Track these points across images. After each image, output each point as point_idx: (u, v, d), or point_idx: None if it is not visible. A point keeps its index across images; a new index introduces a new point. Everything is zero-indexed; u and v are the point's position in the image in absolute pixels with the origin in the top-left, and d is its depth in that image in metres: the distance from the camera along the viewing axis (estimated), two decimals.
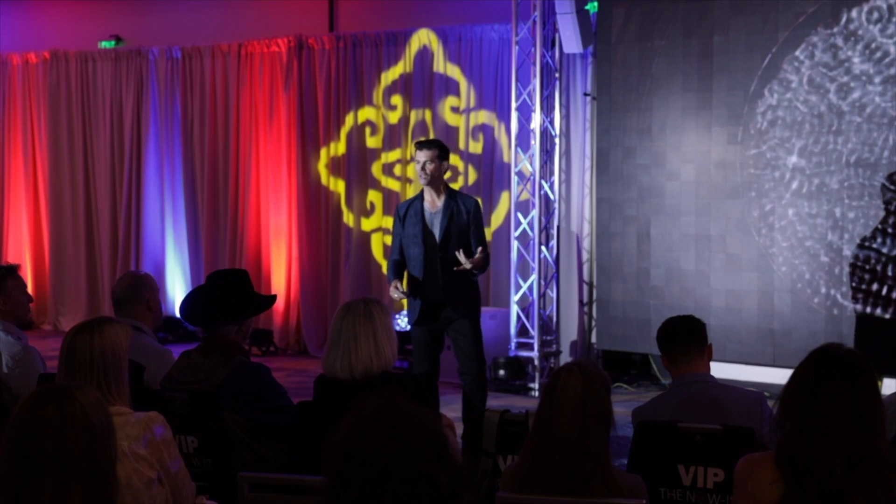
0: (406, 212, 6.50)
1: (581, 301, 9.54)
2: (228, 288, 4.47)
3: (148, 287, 4.97)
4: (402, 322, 9.90)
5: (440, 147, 6.49)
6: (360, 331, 3.84)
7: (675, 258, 8.54)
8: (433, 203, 6.46)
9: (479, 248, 6.33)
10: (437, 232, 6.40)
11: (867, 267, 7.77)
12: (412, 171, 10.44)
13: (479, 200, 10.11)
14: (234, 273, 4.76)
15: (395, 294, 6.41)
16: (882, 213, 7.71)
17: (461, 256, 6.24)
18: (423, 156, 6.41)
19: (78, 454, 2.43)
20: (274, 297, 4.78)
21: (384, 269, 10.67)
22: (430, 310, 6.43)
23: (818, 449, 2.62)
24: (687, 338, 4.15)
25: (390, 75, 10.61)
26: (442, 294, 6.39)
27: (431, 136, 10.34)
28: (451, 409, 7.62)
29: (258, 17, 11.36)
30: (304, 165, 10.97)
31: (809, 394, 2.68)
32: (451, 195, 6.49)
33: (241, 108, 11.29)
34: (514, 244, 9.37)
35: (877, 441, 2.65)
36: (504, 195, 9.98)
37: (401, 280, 6.49)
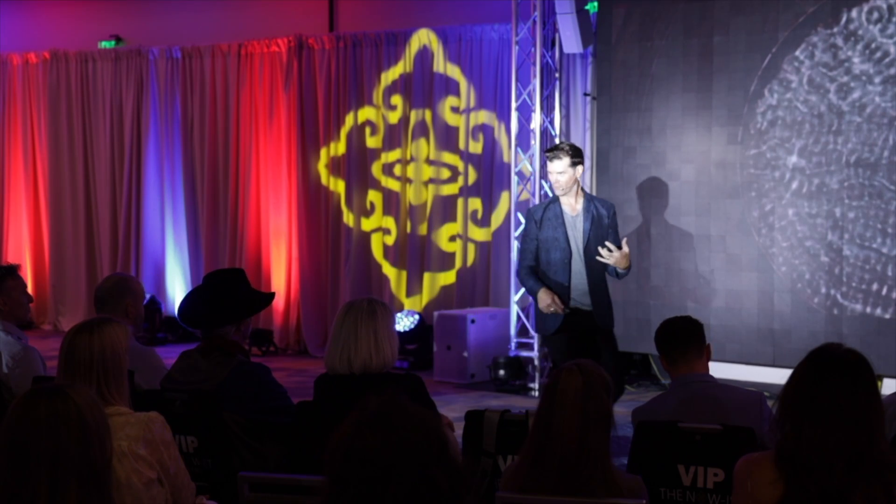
0: (543, 215, 6.26)
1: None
2: (225, 288, 4.46)
3: (130, 292, 4.93)
4: (403, 324, 9.91)
5: (571, 154, 6.21)
6: (361, 327, 3.85)
7: (675, 258, 8.54)
8: (573, 207, 6.25)
9: (625, 239, 6.17)
10: (580, 235, 6.20)
11: (867, 267, 7.77)
12: (412, 171, 10.44)
13: (480, 204, 10.17)
14: (231, 273, 4.75)
15: (551, 309, 6.09)
16: (882, 213, 7.71)
17: (604, 251, 6.04)
18: (554, 168, 6.20)
19: (72, 453, 2.43)
20: (272, 295, 4.77)
21: (384, 269, 10.67)
22: (573, 317, 6.18)
23: (818, 448, 2.62)
24: (685, 338, 4.15)
25: (390, 75, 10.61)
26: (588, 300, 6.19)
27: (431, 137, 10.34)
28: (452, 409, 7.63)
29: (258, 17, 11.36)
30: (304, 165, 10.97)
31: (809, 393, 2.68)
32: (589, 199, 6.31)
33: (241, 108, 11.30)
34: (515, 244, 9.36)
35: (876, 441, 2.65)
36: (504, 195, 9.97)
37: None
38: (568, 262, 6.19)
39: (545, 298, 6.08)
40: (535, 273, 6.24)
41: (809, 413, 2.65)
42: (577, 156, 6.23)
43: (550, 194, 9.33)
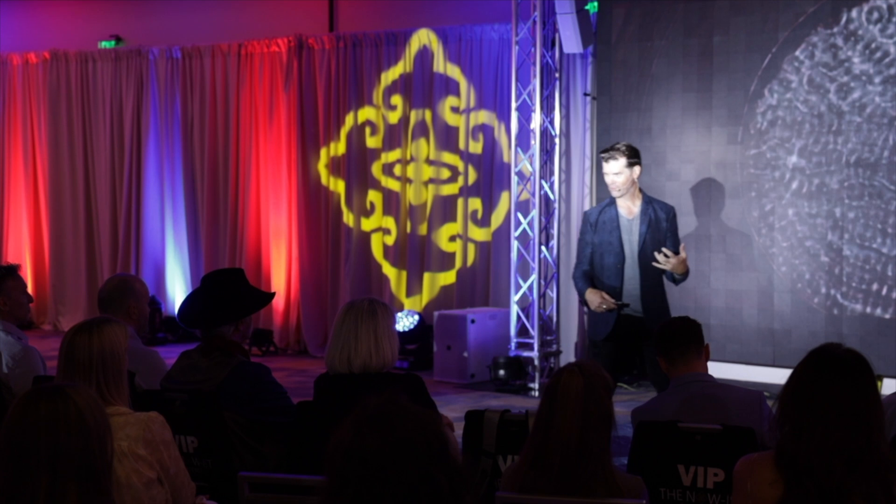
0: (598, 218, 6.05)
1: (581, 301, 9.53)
2: (222, 288, 4.45)
3: (132, 294, 4.91)
4: (403, 324, 9.91)
5: (628, 154, 6.00)
6: (361, 326, 3.85)
7: None
8: (629, 210, 6.02)
9: (682, 245, 5.95)
10: (635, 239, 5.95)
11: (867, 267, 7.77)
12: (412, 171, 10.44)
13: (480, 204, 10.16)
14: (228, 272, 4.74)
15: (603, 307, 5.86)
16: (882, 213, 7.71)
17: (661, 256, 5.83)
18: (610, 168, 5.98)
19: (72, 453, 2.43)
20: (271, 295, 4.76)
21: (384, 269, 10.67)
22: (625, 324, 5.95)
23: (817, 448, 2.62)
24: (684, 339, 4.16)
25: (390, 75, 10.61)
26: (640, 306, 5.95)
27: (431, 137, 10.34)
28: (452, 409, 7.63)
29: (258, 17, 11.36)
30: (304, 165, 10.96)
31: (808, 393, 2.67)
32: (647, 201, 6.05)
33: (241, 108, 11.29)
34: (514, 244, 9.37)
35: (876, 440, 2.65)
36: (504, 195, 9.97)
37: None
38: (621, 267, 5.96)
39: (594, 298, 5.88)
40: (589, 277, 6.03)
41: (809, 413, 2.65)
42: (633, 156, 6.02)
43: (550, 195, 9.36)
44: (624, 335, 5.97)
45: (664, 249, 5.85)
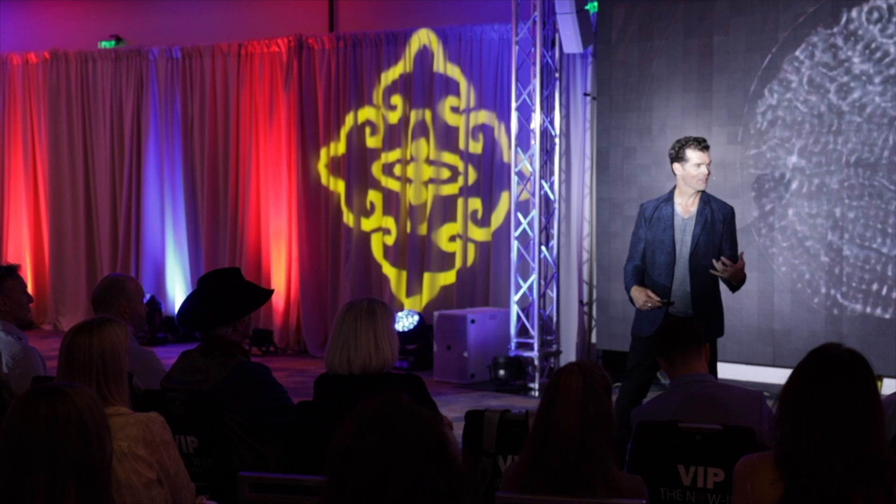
0: (653, 214, 5.88)
1: (581, 301, 9.53)
2: (218, 289, 4.45)
3: (124, 293, 4.90)
4: (403, 324, 9.90)
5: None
6: (360, 327, 3.84)
7: None
8: (686, 208, 5.83)
9: (741, 253, 5.77)
10: (689, 239, 5.79)
11: (867, 267, 7.77)
12: (412, 171, 10.44)
13: (480, 204, 10.16)
14: (225, 273, 4.73)
15: (648, 305, 5.71)
16: (882, 213, 7.71)
17: (719, 264, 5.66)
18: (703, 159, 5.78)
19: (72, 453, 2.43)
20: (270, 292, 4.75)
21: (384, 269, 10.67)
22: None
23: (817, 448, 2.62)
24: (684, 339, 4.16)
25: (390, 75, 10.61)
26: (689, 308, 5.79)
27: (431, 137, 10.35)
28: (452, 409, 7.63)
29: (258, 17, 11.36)
30: (304, 165, 10.96)
31: (808, 393, 2.67)
32: (706, 200, 5.85)
33: (241, 108, 11.29)
34: (514, 244, 9.37)
35: (876, 440, 2.65)
36: (504, 195, 9.97)
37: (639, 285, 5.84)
38: (672, 266, 5.81)
39: (639, 297, 5.75)
40: (640, 272, 5.90)
41: (809, 413, 2.65)
42: None
43: (550, 195, 9.36)
44: None
45: (722, 258, 5.67)
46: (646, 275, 5.89)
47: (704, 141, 5.89)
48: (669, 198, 5.90)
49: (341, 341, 3.87)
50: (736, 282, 5.80)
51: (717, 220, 5.82)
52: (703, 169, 5.78)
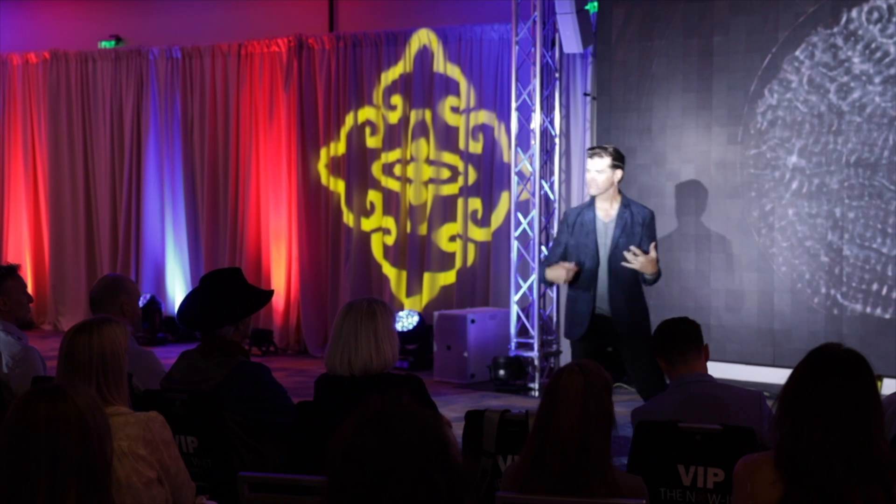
0: (576, 220, 6.11)
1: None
2: (222, 288, 4.45)
3: (125, 291, 4.94)
4: (403, 324, 9.90)
5: (614, 156, 6.08)
6: (361, 328, 3.83)
7: (675, 258, 8.54)
8: (606, 212, 6.07)
9: (653, 244, 5.96)
10: (609, 242, 6.02)
11: (867, 267, 7.77)
12: (412, 171, 10.45)
13: (480, 204, 10.16)
14: (227, 272, 4.73)
15: (570, 275, 5.92)
16: (882, 213, 7.71)
17: (629, 255, 5.89)
18: (593, 165, 6.04)
19: (72, 453, 2.43)
20: (270, 293, 4.76)
21: (384, 269, 10.67)
22: (599, 324, 6.05)
23: (817, 449, 2.62)
24: (683, 339, 4.15)
25: (390, 75, 10.61)
26: (609, 308, 6.02)
27: (431, 137, 10.35)
28: (452, 409, 7.64)
29: (258, 17, 11.36)
30: (304, 165, 10.97)
31: (808, 393, 2.67)
32: (626, 204, 6.08)
33: (241, 108, 11.30)
34: (514, 244, 9.37)
35: (876, 441, 2.65)
36: (504, 195, 9.97)
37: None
38: (596, 270, 6.03)
39: (558, 273, 5.99)
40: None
41: (809, 413, 2.65)
42: (618, 159, 6.10)
43: (550, 195, 9.36)
44: (599, 335, 6.07)
45: (632, 248, 5.90)
46: (573, 279, 6.06)
47: (593, 149, 6.20)
48: (591, 204, 6.13)
49: (342, 343, 3.85)
50: (649, 274, 5.96)
51: (636, 222, 6.02)
52: (592, 175, 6.05)
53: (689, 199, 8.50)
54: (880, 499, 2.60)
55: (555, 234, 6.02)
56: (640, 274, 6.00)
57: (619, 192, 6.14)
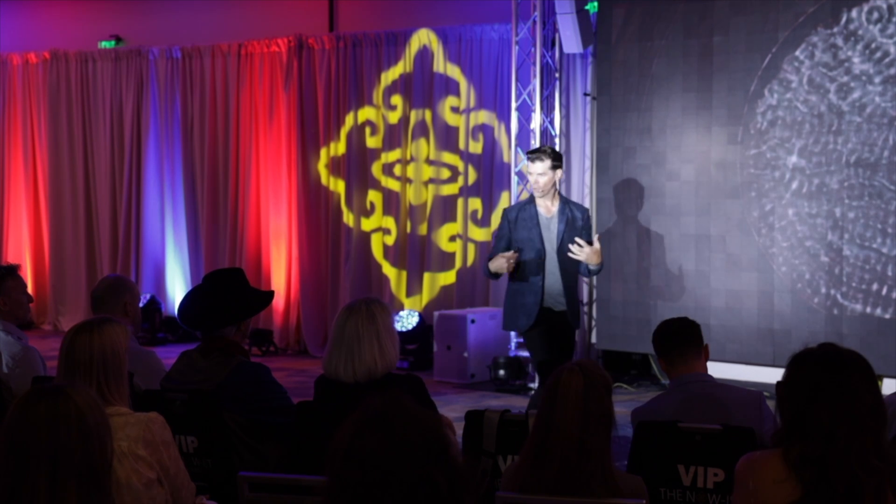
0: (517, 216, 6.38)
1: (581, 301, 9.53)
2: (225, 289, 4.45)
3: (127, 290, 4.95)
4: (403, 324, 9.90)
5: (553, 157, 6.35)
6: (363, 333, 3.80)
7: (675, 258, 8.54)
8: (548, 209, 6.37)
9: (597, 236, 6.35)
10: (554, 237, 6.31)
11: (867, 267, 7.77)
12: (412, 171, 10.44)
13: (480, 204, 10.16)
14: (230, 272, 4.74)
15: (511, 262, 6.14)
16: (882, 213, 7.71)
17: (575, 247, 6.17)
18: (535, 169, 6.32)
19: (72, 453, 2.43)
20: (272, 294, 4.76)
21: (384, 269, 10.67)
22: (547, 317, 6.29)
23: (829, 447, 2.61)
24: (683, 339, 4.15)
25: (390, 75, 10.61)
26: (563, 299, 6.31)
27: (431, 137, 10.35)
28: (452, 409, 7.64)
29: (258, 17, 11.36)
30: (304, 165, 10.97)
31: (817, 392, 2.67)
32: (565, 202, 6.44)
33: (241, 108, 11.30)
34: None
35: (881, 439, 2.65)
36: (504, 195, 9.97)
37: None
38: (542, 263, 6.28)
39: (500, 262, 6.18)
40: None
41: (820, 413, 2.65)
42: (557, 160, 6.37)
43: None
44: (548, 327, 6.29)
45: (577, 239, 6.19)
46: (517, 272, 6.27)
47: (534, 152, 6.44)
48: (531, 201, 6.42)
49: (344, 349, 3.82)
50: (593, 266, 6.27)
51: (576, 218, 6.36)
52: (535, 177, 6.32)
53: (689, 199, 8.50)
54: (890, 498, 2.60)
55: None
56: (582, 267, 6.31)
57: (558, 192, 6.45)
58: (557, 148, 9.40)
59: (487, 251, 10.19)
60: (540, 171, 6.30)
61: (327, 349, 3.92)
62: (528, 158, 6.42)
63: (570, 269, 6.31)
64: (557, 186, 6.40)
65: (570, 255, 6.19)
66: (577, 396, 3.08)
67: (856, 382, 2.67)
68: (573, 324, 6.38)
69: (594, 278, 9.33)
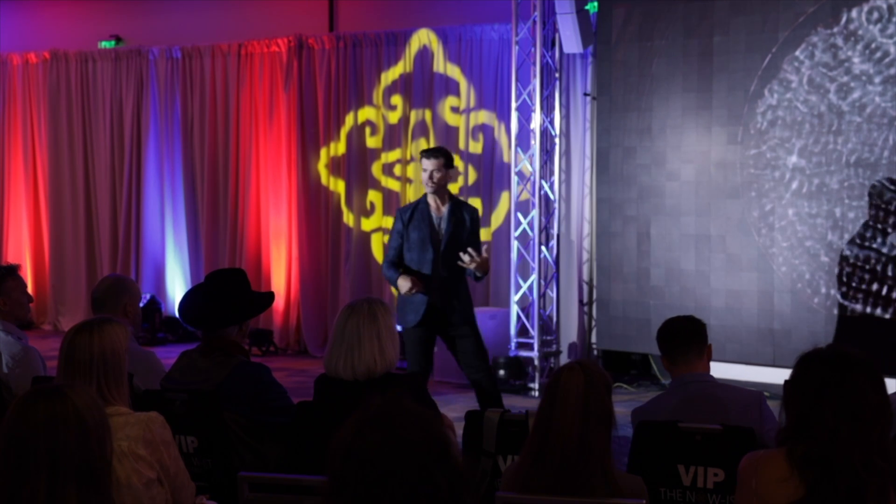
0: (411, 215, 6.62)
1: (581, 301, 9.53)
2: (228, 289, 4.46)
3: (127, 291, 4.94)
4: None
5: (446, 155, 6.62)
6: (364, 332, 3.81)
7: (675, 258, 8.54)
8: (438, 208, 6.61)
9: (485, 247, 6.58)
10: (441, 238, 6.56)
11: (867, 267, 7.77)
12: (412, 171, 10.44)
13: (480, 204, 10.16)
14: (233, 273, 4.74)
15: (413, 291, 6.42)
16: (882, 213, 7.71)
17: (466, 256, 6.40)
18: (429, 164, 6.55)
19: (71, 453, 2.43)
20: (272, 295, 4.77)
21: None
22: (432, 313, 6.54)
23: (833, 447, 2.61)
24: (687, 338, 4.14)
25: (390, 75, 10.61)
26: (440, 297, 6.53)
27: (431, 137, 10.35)
28: (451, 409, 7.64)
29: (258, 17, 11.36)
30: (304, 165, 10.97)
31: (824, 392, 2.67)
32: (455, 201, 6.67)
33: (241, 108, 11.30)
34: (514, 244, 9.37)
35: (887, 440, 2.65)
36: (504, 195, 9.97)
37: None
38: (430, 260, 6.51)
39: (405, 283, 6.42)
40: (397, 266, 6.58)
41: (824, 412, 2.65)
42: (450, 160, 6.61)
43: (550, 195, 9.36)
44: (431, 324, 6.54)
45: (469, 250, 6.40)
46: (410, 269, 6.53)
47: (427, 150, 6.72)
48: (423, 200, 6.65)
49: (345, 347, 3.83)
50: (480, 272, 6.52)
51: (465, 219, 6.60)
52: (429, 172, 6.53)
53: (689, 199, 8.50)
54: (893, 499, 2.60)
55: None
56: (469, 271, 6.52)
57: (449, 193, 6.67)
58: (557, 148, 9.41)
59: (487, 251, 10.21)
60: (434, 167, 6.52)
61: (328, 347, 3.94)
62: (423, 155, 6.63)
63: (453, 268, 6.49)
64: (446, 186, 6.62)
65: (460, 263, 6.40)
66: (577, 396, 3.07)
67: (862, 383, 2.66)
68: (455, 321, 6.55)
69: (594, 278, 9.33)
